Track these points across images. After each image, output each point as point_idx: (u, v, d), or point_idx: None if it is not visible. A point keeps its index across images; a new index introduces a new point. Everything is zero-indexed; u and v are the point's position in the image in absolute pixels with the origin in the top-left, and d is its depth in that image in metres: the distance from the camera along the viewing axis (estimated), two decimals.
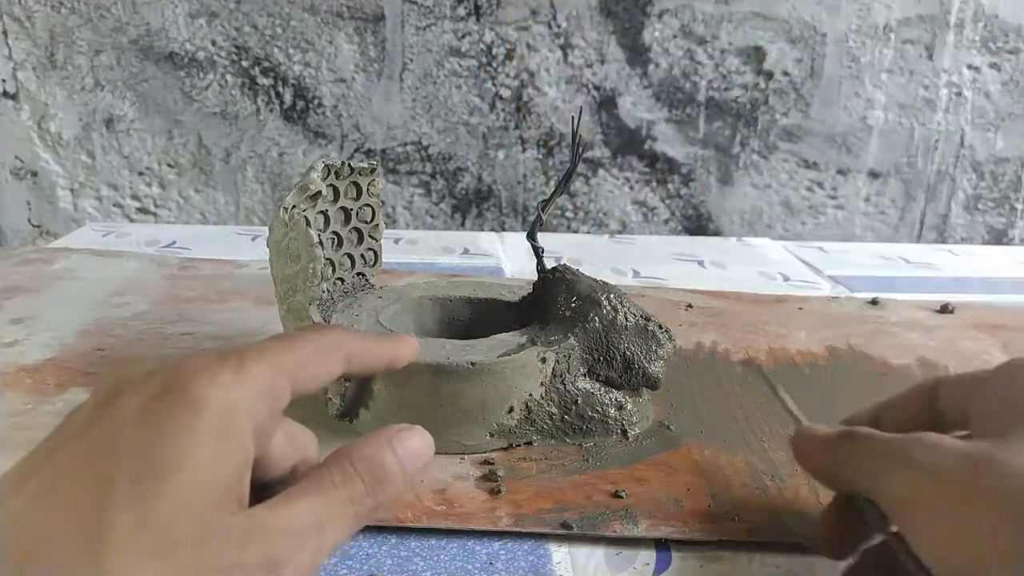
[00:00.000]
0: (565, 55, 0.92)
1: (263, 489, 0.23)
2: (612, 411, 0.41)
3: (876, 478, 0.27)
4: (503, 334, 0.41)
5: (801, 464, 0.31)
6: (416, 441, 0.26)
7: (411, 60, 0.92)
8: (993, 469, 0.24)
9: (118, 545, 0.19)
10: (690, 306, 0.62)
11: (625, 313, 0.41)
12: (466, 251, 0.80)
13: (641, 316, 0.42)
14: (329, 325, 0.38)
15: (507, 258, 0.78)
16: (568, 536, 0.33)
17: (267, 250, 0.44)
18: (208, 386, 0.22)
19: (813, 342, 0.56)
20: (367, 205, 0.47)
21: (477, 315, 0.48)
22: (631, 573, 0.32)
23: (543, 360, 0.40)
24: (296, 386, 0.24)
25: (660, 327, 0.42)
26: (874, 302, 0.64)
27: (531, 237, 0.44)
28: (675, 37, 0.92)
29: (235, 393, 0.22)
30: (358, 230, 0.47)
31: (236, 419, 0.22)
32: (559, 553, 0.33)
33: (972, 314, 0.62)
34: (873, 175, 0.99)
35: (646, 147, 0.96)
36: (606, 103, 0.95)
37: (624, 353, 0.41)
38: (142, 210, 0.96)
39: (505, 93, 0.93)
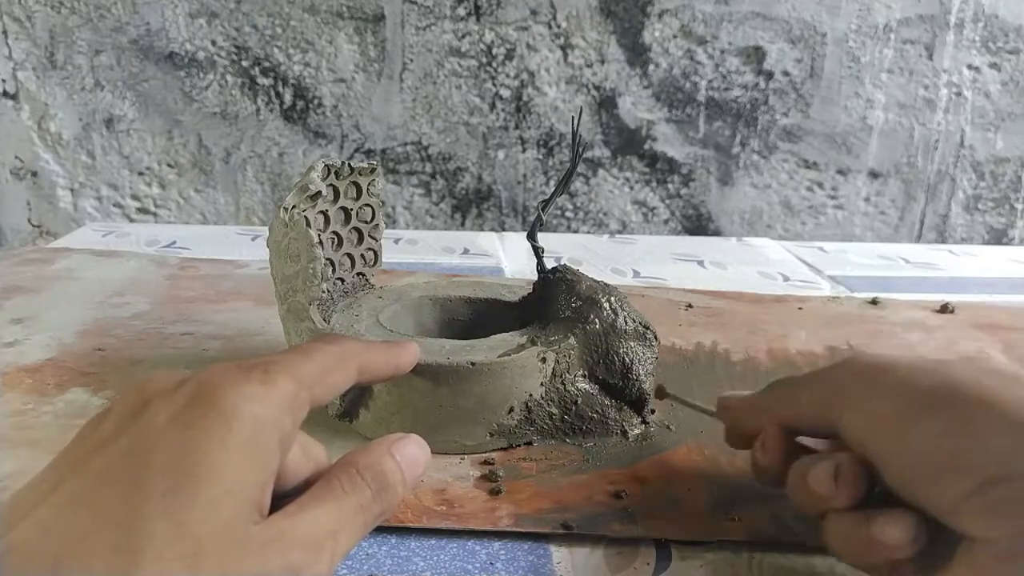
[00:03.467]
0: (565, 55, 0.92)
1: (275, 499, 0.23)
2: (612, 411, 0.41)
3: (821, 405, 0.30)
4: (503, 334, 0.41)
5: (726, 419, 0.35)
6: (414, 449, 0.26)
7: (411, 60, 0.92)
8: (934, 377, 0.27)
9: (152, 554, 0.19)
10: (690, 306, 0.62)
11: (625, 317, 0.41)
12: (466, 251, 0.80)
13: (640, 323, 0.42)
14: (339, 334, 0.38)
15: (507, 258, 0.78)
16: (568, 536, 0.33)
17: (267, 250, 0.44)
18: (237, 398, 0.22)
19: (813, 342, 0.56)
20: (367, 205, 0.47)
21: (477, 315, 0.48)
22: (631, 573, 0.32)
23: (543, 360, 0.40)
24: (313, 398, 0.25)
25: (655, 337, 0.42)
26: (874, 302, 0.64)
27: (531, 237, 0.44)
28: (675, 37, 0.92)
29: (263, 406, 0.22)
30: (358, 230, 0.47)
31: (264, 431, 0.22)
32: (559, 553, 0.33)
33: (972, 314, 0.62)
34: (873, 175, 0.99)
35: (646, 147, 0.96)
36: (606, 103, 0.94)
37: (623, 358, 0.41)
38: (142, 210, 0.96)
39: (505, 93, 0.93)
